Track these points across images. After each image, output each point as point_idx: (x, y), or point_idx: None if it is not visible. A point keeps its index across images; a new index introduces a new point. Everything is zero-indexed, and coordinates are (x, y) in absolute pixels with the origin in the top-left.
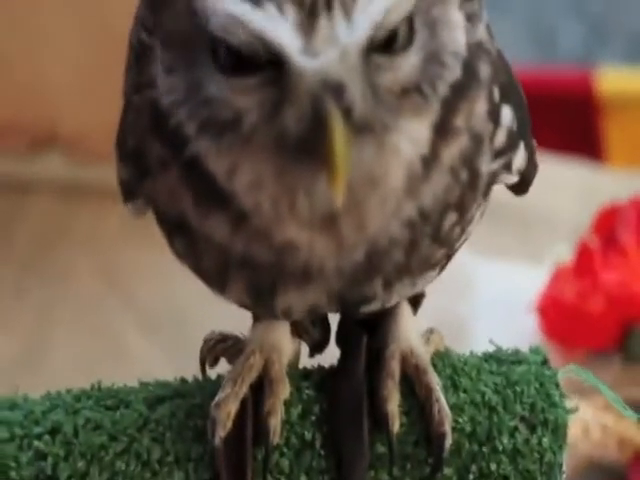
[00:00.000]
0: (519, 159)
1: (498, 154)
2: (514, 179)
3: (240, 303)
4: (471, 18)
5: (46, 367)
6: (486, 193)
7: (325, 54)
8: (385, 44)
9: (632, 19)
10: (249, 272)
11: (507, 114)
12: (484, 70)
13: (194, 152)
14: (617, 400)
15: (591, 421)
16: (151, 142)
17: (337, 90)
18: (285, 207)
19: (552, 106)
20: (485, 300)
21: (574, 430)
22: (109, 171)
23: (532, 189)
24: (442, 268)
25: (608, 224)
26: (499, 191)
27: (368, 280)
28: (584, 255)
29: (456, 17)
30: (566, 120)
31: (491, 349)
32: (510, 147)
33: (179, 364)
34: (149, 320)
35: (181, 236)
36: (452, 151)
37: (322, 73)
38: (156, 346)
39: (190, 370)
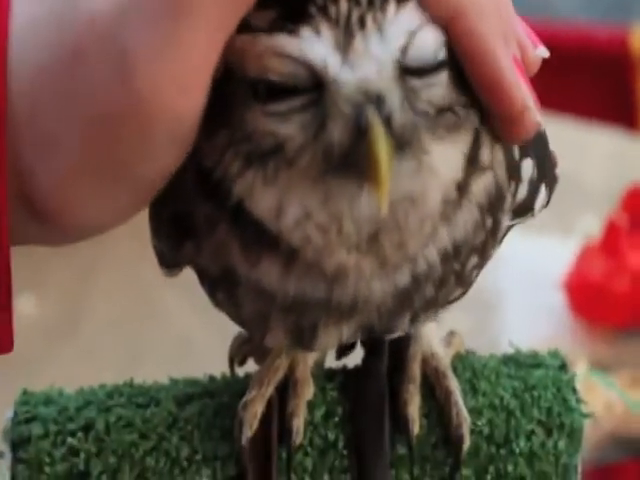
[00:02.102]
0: (540, 200)
1: (521, 208)
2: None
3: (279, 345)
4: None
5: (83, 329)
6: (502, 240)
7: (363, 67)
8: (419, 63)
9: None
10: (292, 315)
11: (528, 166)
12: None
13: (240, 196)
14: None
15: (614, 397)
16: (196, 203)
17: (377, 100)
18: (334, 233)
19: (585, 66)
20: (513, 274)
21: (597, 406)
22: None
23: (563, 158)
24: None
25: (636, 202)
26: None
27: (400, 314)
28: (611, 233)
29: None
30: (600, 81)
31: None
32: (532, 197)
33: (218, 327)
34: (188, 283)
35: (225, 287)
36: (480, 186)
37: (362, 84)
38: (195, 309)
39: (227, 335)
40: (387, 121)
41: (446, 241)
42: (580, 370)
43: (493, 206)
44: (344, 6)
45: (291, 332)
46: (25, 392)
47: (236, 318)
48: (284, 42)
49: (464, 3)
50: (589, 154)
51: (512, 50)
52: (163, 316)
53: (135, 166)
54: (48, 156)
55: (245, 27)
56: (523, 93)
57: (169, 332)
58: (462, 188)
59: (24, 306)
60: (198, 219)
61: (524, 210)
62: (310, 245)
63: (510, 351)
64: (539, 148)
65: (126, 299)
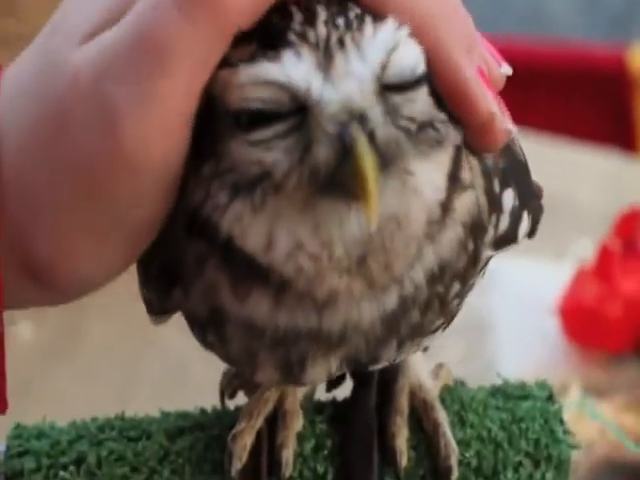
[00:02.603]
0: (523, 228)
1: (503, 238)
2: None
3: (269, 381)
4: None
5: (79, 353)
6: (482, 270)
7: (345, 85)
8: (398, 80)
9: None
10: (280, 350)
11: (509, 197)
12: None
13: (228, 229)
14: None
15: (608, 421)
16: (187, 247)
17: (360, 116)
18: (325, 260)
19: (582, 84)
20: (507, 297)
21: (590, 431)
22: None
23: (559, 180)
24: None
25: (629, 227)
26: None
27: (387, 341)
28: (604, 258)
29: None
30: (597, 100)
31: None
32: (514, 225)
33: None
34: None
35: (213, 328)
36: (462, 203)
37: (344, 102)
38: (190, 334)
39: None
40: (371, 137)
41: (432, 260)
42: (573, 395)
43: (475, 226)
44: (322, 30)
45: (280, 367)
46: (17, 426)
47: (225, 357)
48: (266, 68)
49: (429, 14)
50: (585, 176)
51: (476, 62)
52: (158, 340)
53: (126, 216)
54: (39, 214)
55: (226, 63)
56: (489, 102)
57: (164, 356)
58: (445, 207)
59: (22, 331)
60: (187, 261)
61: (507, 241)
62: (302, 275)
63: (498, 382)
64: (520, 175)
65: (122, 324)
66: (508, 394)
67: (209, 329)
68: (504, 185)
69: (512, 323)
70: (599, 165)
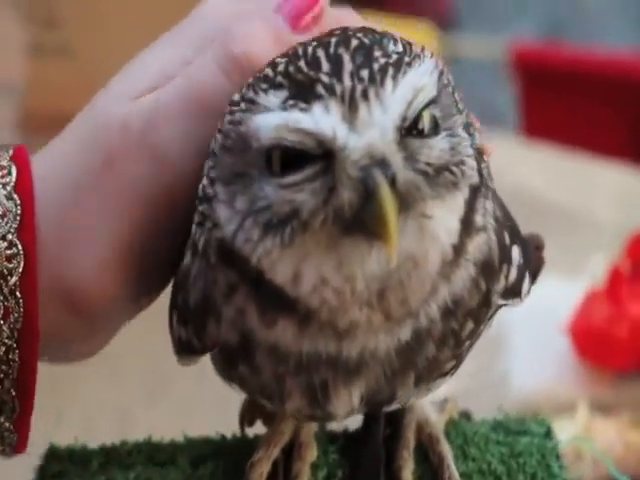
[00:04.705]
0: (525, 286)
1: (511, 289)
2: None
3: (297, 413)
4: (469, 129)
5: (109, 355)
6: (491, 317)
7: (368, 133)
8: (416, 129)
9: None
10: (304, 374)
11: (516, 252)
12: (485, 169)
13: (259, 262)
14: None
15: (613, 439)
16: (219, 273)
17: (381, 162)
18: (348, 294)
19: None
20: (521, 314)
21: (597, 446)
22: None
23: (575, 194)
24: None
25: (639, 248)
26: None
27: (404, 374)
28: (615, 279)
29: (463, 133)
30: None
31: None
32: (520, 281)
33: None
34: None
35: (245, 359)
36: (474, 244)
37: (367, 149)
38: None
39: None
40: (392, 181)
41: (446, 297)
42: (582, 412)
43: (486, 266)
44: (348, 83)
45: (306, 395)
46: (51, 447)
47: (255, 387)
48: (298, 118)
49: None
50: (605, 191)
51: None
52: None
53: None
54: (78, 247)
55: (255, 104)
56: None
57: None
58: (459, 249)
59: None
60: (219, 287)
61: (513, 294)
62: (326, 306)
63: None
64: (519, 237)
65: (152, 324)
66: (509, 429)
67: (240, 360)
68: (513, 240)
69: (526, 339)
70: (619, 181)
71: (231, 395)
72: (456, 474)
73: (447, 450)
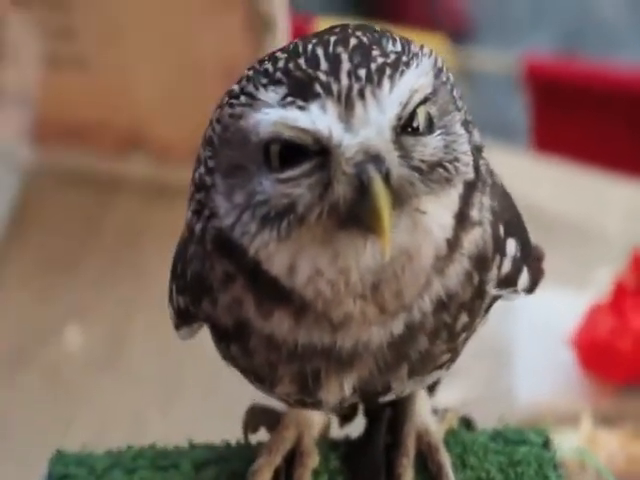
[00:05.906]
0: (523, 280)
1: (505, 281)
2: (522, 294)
3: (286, 397)
4: (467, 126)
5: (123, 360)
6: (487, 310)
7: (363, 132)
8: (411, 127)
9: None
10: (297, 362)
11: (511, 245)
12: (483, 166)
13: (256, 254)
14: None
15: (616, 450)
16: (216, 262)
17: (376, 159)
18: (342, 286)
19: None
20: (527, 325)
21: (599, 457)
22: (188, 174)
23: (585, 209)
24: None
25: None
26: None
27: (397, 367)
28: (619, 293)
29: (461, 130)
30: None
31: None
32: (516, 273)
33: None
34: None
35: (238, 342)
36: (470, 238)
37: (362, 146)
38: None
39: None
40: (386, 176)
41: (439, 290)
42: (586, 423)
43: (480, 259)
44: (345, 82)
45: (297, 381)
46: (59, 452)
47: (247, 369)
48: (296, 116)
49: None
50: (612, 206)
51: None
52: (200, 347)
53: None
54: None
55: (255, 99)
56: None
57: (205, 364)
58: (453, 244)
59: (70, 336)
60: (216, 275)
61: (508, 283)
62: (321, 298)
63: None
64: (523, 236)
65: (166, 330)
66: (507, 439)
67: (233, 341)
68: (508, 233)
69: (532, 351)
70: (629, 196)
71: (241, 403)
72: None
73: (446, 459)
